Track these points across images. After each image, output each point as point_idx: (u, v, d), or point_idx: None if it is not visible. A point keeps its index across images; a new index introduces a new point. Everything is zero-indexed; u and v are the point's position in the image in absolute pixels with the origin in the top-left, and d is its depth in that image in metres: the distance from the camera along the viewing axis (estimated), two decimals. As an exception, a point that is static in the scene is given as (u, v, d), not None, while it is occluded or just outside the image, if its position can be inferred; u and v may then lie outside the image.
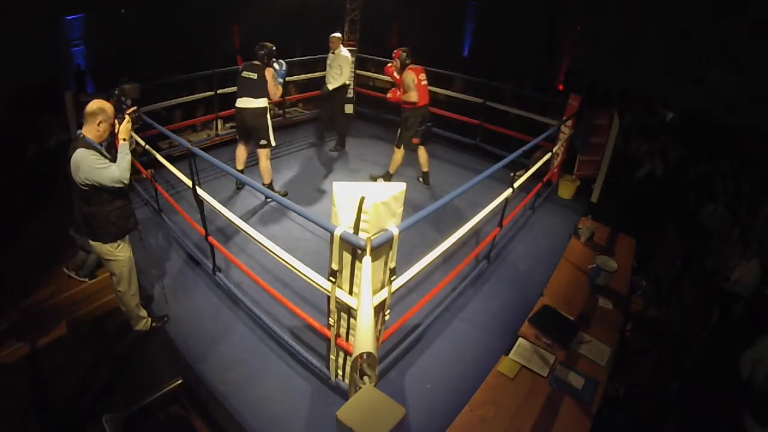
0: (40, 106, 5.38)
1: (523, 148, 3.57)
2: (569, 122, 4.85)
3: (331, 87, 5.39)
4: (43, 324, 2.62)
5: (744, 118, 6.02)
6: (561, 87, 8.83)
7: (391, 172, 4.88)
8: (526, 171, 3.94)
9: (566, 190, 5.04)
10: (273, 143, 4.32)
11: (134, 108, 2.59)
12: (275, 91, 4.16)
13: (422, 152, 4.89)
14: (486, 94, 5.81)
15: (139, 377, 2.61)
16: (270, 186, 4.46)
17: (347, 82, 5.56)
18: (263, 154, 4.31)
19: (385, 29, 10.76)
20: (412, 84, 4.37)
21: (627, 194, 5.09)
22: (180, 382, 2.37)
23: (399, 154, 4.75)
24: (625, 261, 3.60)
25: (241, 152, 4.59)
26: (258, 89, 4.12)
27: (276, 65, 4.19)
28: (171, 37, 8.41)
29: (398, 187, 2.08)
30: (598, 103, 4.96)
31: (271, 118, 4.31)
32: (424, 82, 4.49)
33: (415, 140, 4.67)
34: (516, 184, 3.48)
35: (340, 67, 5.29)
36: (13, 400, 2.42)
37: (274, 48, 4.19)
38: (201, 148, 3.23)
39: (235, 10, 9.00)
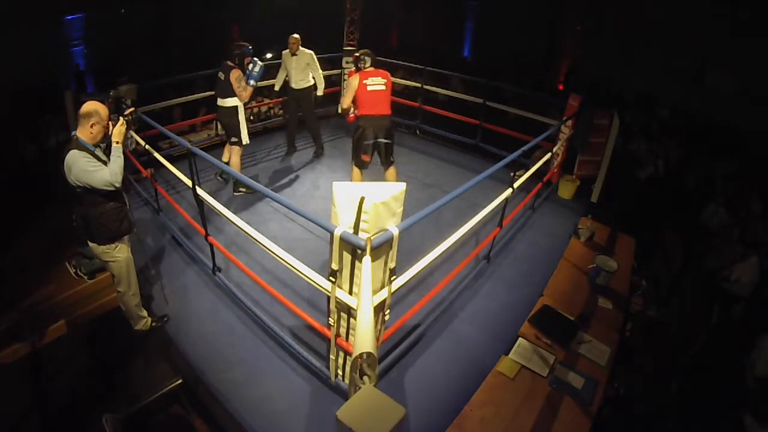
0: (40, 106, 5.38)
1: (523, 148, 3.56)
2: (569, 122, 4.85)
3: (298, 87, 5.22)
4: (43, 324, 2.61)
5: (744, 119, 6.02)
6: (561, 87, 8.84)
7: None
8: (526, 171, 3.94)
9: (566, 190, 5.04)
10: (245, 141, 4.39)
11: (132, 109, 2.58)
12: (240, 93, 4.11)
13: (390, 175, 4.17)
14: (486, 94, 5.81)
15: (139, 377, 2.61)
16: (236, 183, 4.58)
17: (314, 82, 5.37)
18: (234, 151, 4.44)
19: (385, 29, 10.77)
20: (351, 89, 3.87)
21: (627, 194, 5.08)
22: (180, 382, 2.36)
23: (355, 171, 4.15)
24: (625, 261, 3.60)
25: (227, 148, 4.70)
26: (226, 89, 4.17)
27: (250, 65, 4.09)
28: (171, 37, 8.42)
29: (398, 187, 2.08)
30: (598, 103, 4.95)
31: (245, 118, 4.35)
32: (373, 88, 3.84)
33: (365, 157, 4.00)
34: (516, 184, 3.48)
35: (308, 66, 5.19)
36: (13, 400, 2.42)
37: (250, 47, 4.15)
38: (201, 148, 3.23)
39: (235, 10, 9.01)
